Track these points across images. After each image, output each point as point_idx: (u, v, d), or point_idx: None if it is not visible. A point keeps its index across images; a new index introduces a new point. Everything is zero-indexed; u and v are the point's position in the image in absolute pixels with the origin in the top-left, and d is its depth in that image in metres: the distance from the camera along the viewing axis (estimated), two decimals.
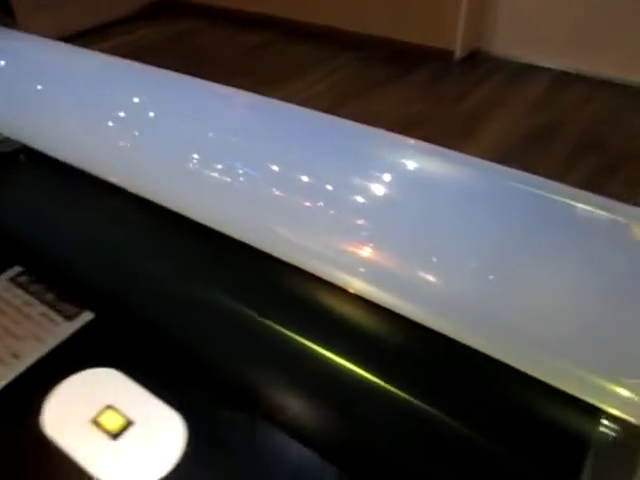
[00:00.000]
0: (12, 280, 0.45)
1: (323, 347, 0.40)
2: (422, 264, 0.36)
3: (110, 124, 0.49)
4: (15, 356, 0.38)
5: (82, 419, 0.34)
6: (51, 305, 0.42)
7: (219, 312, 0.44)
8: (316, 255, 0.41)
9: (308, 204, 0.39)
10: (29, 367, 0.38)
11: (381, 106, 2.17)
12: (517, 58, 2.47)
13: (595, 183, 1.70)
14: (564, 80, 2.33)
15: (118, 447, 0.33)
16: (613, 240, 0.33)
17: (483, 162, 0.38)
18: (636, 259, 0.32)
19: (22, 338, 0.40)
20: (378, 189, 0.38)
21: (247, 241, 0.45)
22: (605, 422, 0.34)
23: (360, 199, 0.38)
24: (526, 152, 1.87)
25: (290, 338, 0.41)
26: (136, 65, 0.54)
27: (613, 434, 0.33)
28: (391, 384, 0.37)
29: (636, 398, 0.32)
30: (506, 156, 1.82)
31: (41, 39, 0.62)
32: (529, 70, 2.41)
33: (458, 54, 2.49)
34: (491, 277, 0.34)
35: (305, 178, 0.40)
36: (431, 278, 0.36)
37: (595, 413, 0.34)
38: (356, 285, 0.40)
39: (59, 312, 0.42)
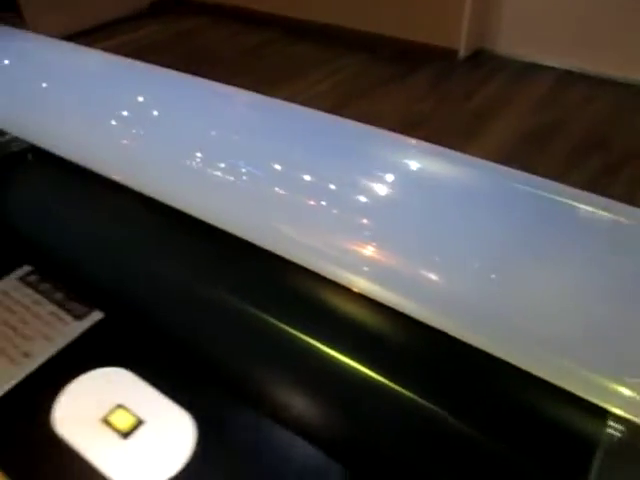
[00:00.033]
0: (21, 279, 0.45)
1: (327, 345, 0.40)
2: (426, 263, 0.36)
3: (114, 123, 0.50)
4: (26, 355, 0.39)
5: (93, 418, 0.35)
6: (60, 304, 0.43)
7: (226, 311, 0.44)
8: (320, 254, 0.41)
9: (312, 203, 0.40)
10: (40, 366, 0.38)
11: (385, 105, 2.17)
12: (521, 57, 2.47)
13: (598, 182, 1.70)
14: (568, 79, 2.33)
15: (129, 446, 0.33)
16: (616, 241, 0.33)
17: (485, 163, 0.38)
18: (638, 259, 0.32)
19: (32, 337, 0.40)
20: (381, 189, 0.38)
21: (253, 240, 0.45)
22: (612, 423, 0.34)
23: (363, 199, 0.38)
24: (530, 151, 1.87)
25: (294, 336, 0.41)
26: (140, 65, 0.54)
27: (620, 435, 0.33)
28: (395, 382, 0.38)
29: (638, 397, 0.32)
30: (510, 155, 1.82)
31: (46, 38, 0.62)
32: (533, 69, 2.41)
33: (462, 53, 2.48)
34: (493, 276, 0.34)
35: (309, 177, 0.40)
36: (435, 277, 0.36)
37: (602, 414, 0.34)
38: (360, 284, 0.41)
39: (68, 311, 0.42)
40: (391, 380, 0.38)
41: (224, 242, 0.46)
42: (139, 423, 0.34)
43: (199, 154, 0.45)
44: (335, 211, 0.39)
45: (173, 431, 0.34)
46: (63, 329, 0.41)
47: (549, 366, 0.35)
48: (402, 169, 0.39)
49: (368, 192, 0.38)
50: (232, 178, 0.43)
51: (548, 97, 2.22)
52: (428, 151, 0.40)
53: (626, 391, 0.32)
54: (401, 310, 0.39)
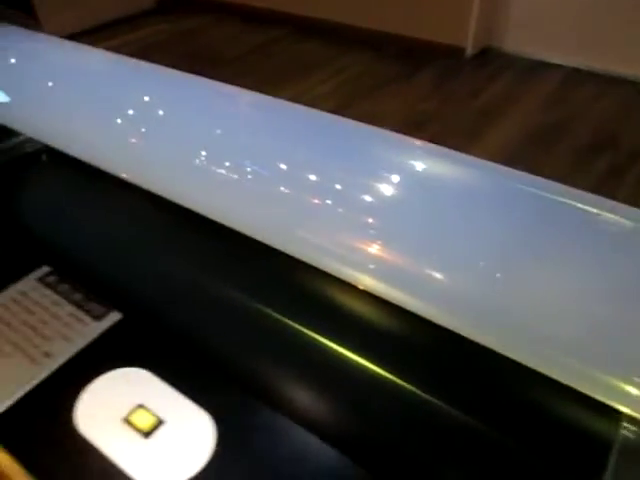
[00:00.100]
0: (40, 280, 0.45)
1: (333, 341, 0.41)
2: (430, 262, 0.37)
3: (122, 122, 0.50)
4: (46, 355, 0.39)
5: (114, 418, 0.35)
6: (79, 305, 0.43)
7: (235, 309, 0.45)
8: (327, 252, 0.42)
9: (318, 202, 0.40)
10: (60, 366, 0.39)
11: (390, 104, 2.16)
12: (528, 55, 2.46)
13: (606, 181, 1.69)
14: (575, 77, 2.32)
15: (150, 446, 0.34)
16: (619, 241, 0.33)
17: (490, 164, 0.39)
18: None
19: (51, 337, 0.41)
20: (386, 189, 0.38)
21: (263, 239, 0.46)
22: (626, 423, 0.34)
23: (369, 198, 0.39)
24: (537, 149, 1.86)
25: (301, 332, 0.42)
26: (148, 65, 0.55)
27: (634, 435, 0.34)
28: (402, 378, 0.38)
29: None
30: (517, 154, 1.82)
31: (54, 38, 0.63)
32: (540, 67, 2.40)
33: (469, 51, 2.48)
34: (498, 275, 0.35)
35: (316, 177, 0.41)
36: (439, 275, 0.37)
37: (617, 414, 0.34)
38: (366, 281, 0.41)
39: (87, 312, 0.43)
40: (398, 376, 0.38)
41: (237, 241, 0.47)
42: (159, 423, 0.35)
43: (204, 153, 0.45)
44: (341, 210, 0.40)
45: (193, 431, 0.34)
46: (82, 330, 0.41)
47: (556, 365, 0.35)
48: (407, 169, 0.40)
49: (373, 192, 0.39)
50: (239, 177, 0.44)
51: (555, 95, 2.21)
52: (433, 152, 0.41)
53: (633, 390, 0.32)
54: (406, 307, 0.40)
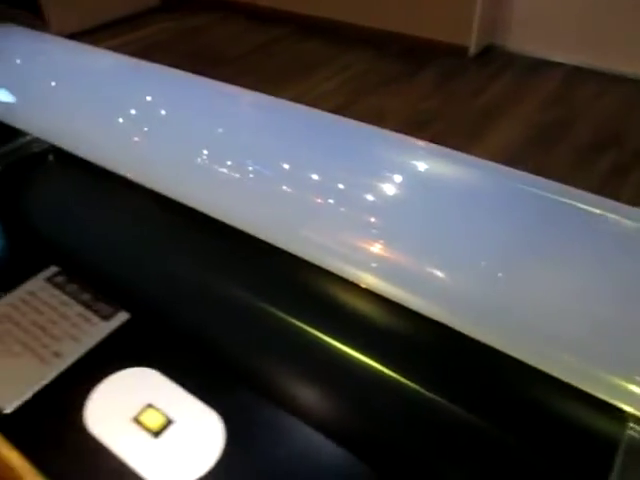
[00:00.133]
0: (49, 280, 0.46)
1: (335, 339, 0.41)
2: (432, 261, 0.37)
3: (125, 122, 0.51)
4: (56, 355, 0.40)
5: (124, 417, 0.36)
6: (87, 305, 0.43)
7: (240, 308, 0.45)
8: (329, 251, 0.42)
9: (320, 201, 0.41)
10: (70, 366, 0.39)
11: (393, 103, 2.16)
12: (531, 53, 2.46)
13: (610, 180, 1.69)
14: (577, 75, 2.32)
15: (159, 445, 0.34)
16: (621, 241, 0.34)
17: (491, 164, 0.39)
18: None
19: (60, 337, 0.41)
20: (389, 188, 0.39)
21: (266, 238, 0.46)
22: (632, 424, 0.34)
23: (371, 198, 0.39)
24: (539, 149, 1.86)
25: (304, 331, 0.42)
26: (150, 65, 0.55)
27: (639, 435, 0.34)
28: (405, 376, 0.39)
29: None
30: (518, 153, 1.82)
31: (58, 38, 0.63)
32: (542, 65, 2.40)
33: (472, 50, 2.47)
34: (500, 275, 0.35)
35: (318, 177, 0.41)
36: (441, 275, 0.37)
37: (623, 414, 0.34)
38: (368, 280, 0.41)
39: (96, 312, 0.43)
40: (401, 374, 0.39)
41: (241, 240, 0.47)
42: (169, 423, 0.35)
43: (208, 152, 0.46)
44: (343, 209, 0.40)
45: (202, 431, 0.35)
46: (91, 330, 0.41)
47: (560, 364, 0.35)
48: (409, 169, 0.40)
49: (376, 191, 0.39)
50: (242, 177, 0.44)
51: (557, 93, 2.21)
52: (435, 152, 0.41)
53: (636, 389, 0.33)
54: (408, 306, 0.40)
